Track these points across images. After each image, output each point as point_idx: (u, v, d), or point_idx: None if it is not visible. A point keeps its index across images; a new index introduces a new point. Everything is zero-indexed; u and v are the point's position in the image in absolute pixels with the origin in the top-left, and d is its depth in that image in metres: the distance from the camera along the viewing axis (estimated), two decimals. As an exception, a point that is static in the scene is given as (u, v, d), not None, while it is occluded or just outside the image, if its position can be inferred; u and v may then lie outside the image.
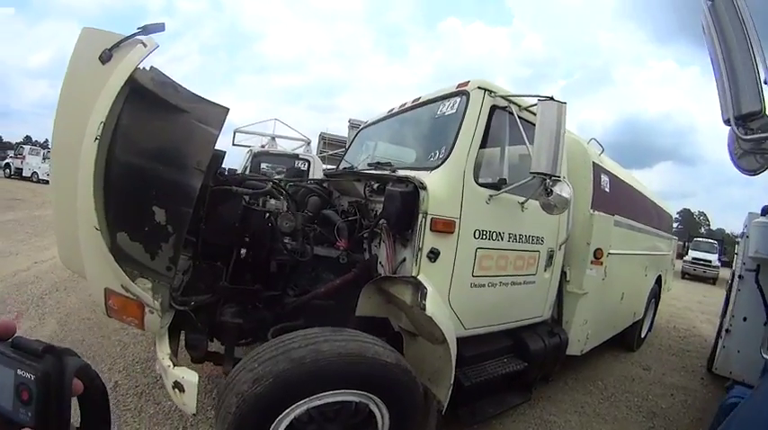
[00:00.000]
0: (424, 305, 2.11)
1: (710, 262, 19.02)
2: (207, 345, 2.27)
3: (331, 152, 9.82)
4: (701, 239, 23.09)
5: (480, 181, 2.57)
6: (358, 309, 2.45)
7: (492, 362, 2.85)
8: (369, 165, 3.28)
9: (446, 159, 2.52)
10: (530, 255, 2.99)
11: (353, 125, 8.57)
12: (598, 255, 3.58)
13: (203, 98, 2.11)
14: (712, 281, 18.40)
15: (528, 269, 3.00)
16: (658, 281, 6.10)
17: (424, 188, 2.36)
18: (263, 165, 7.67)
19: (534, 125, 2.27)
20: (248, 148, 7.79)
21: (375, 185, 2.83)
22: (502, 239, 2.73)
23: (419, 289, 2.19)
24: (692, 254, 19.77)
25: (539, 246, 3.06)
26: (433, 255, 2.37)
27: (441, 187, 2.41)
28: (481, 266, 2.62)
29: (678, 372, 5.10)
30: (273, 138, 9.00)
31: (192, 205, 1.97)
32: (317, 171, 7.36)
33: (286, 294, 2.53)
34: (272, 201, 2.60)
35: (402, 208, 2.36)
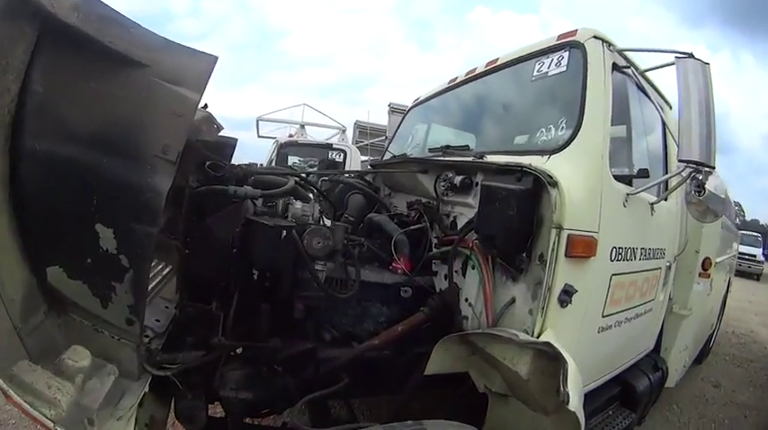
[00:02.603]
0: (567, 395, 1.21)
1: (755, 256, 17.70)
2: (206, 413, 1.53)
3: (370, 141, 8.21)
4: (744, 232, 20.67)
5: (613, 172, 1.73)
6: (429, 367, 1.61)
7: (597, 420, 2.09)
8: (431, 151, 2.31)
9: (573, 138, 1.64)
10: (653, 275, 2.19)
11: (394, 110, 7.14)
12: (706, 265, 2.85)
13: (174, 43, 1.30)
14: (756, 277, 17.23)
15: (650, 293, 2.20)
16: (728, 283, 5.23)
17: (555, 184, 1.42)
18: (292, 159, 6.52)
19: (651, 96, 1.94)
20: (274, 140, 6.70)
21: (456, 179, 1.88)
22: (635, 258, 1.91)
23: (554, 365, 1.29)
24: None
25: (660, 261, 2.25)
26: (567, 295, 1.47)
27: (576, 183, 1.51)
28: (613, 300, 1.80)
29: (747, 388, 4.72)
30: (302, 127, 7.82)
31: (156, 222, 1.19)
32: (355, 163, 6.25)
33: (319, 343, 1.69)
34: (298, 205, 1.74)
35: (515, 217, 1.45)
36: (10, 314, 1.02)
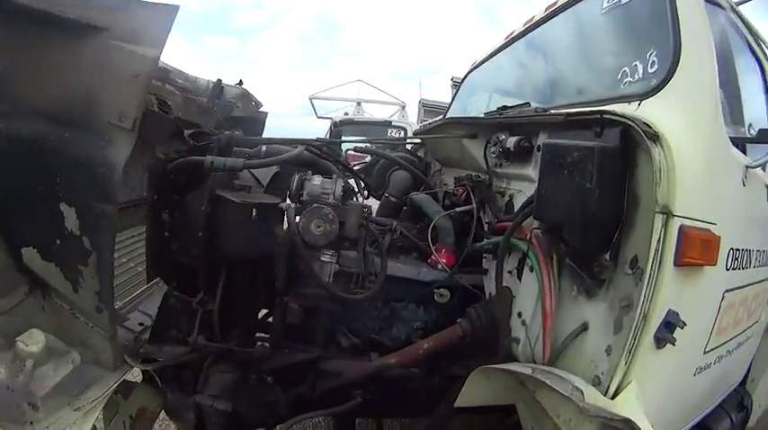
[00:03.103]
0: None
1: None
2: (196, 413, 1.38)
3: (433, 120, 7.15)
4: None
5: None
6: (463, 398, 1.17)
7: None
8: (486, 115, 1.76)
9: (671, 73, 1.05)
10: (763, 289, 1.45)
11: (457, 83, 5.99)
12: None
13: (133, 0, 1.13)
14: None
15: (756, 313, 1.48)
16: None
17: (656, 138, 0.88)
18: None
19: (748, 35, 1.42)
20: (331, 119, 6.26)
21: (509, 141, 1.36)
22: (750, 265, 1.26)
23: None
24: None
25: (768, 268, 1.39)
26: (669, 330, 0.89)
27: (686, 140, 0.93)
28: (720, 329, 1.17)
29: None
30: (359, 104, 7.13)
31: (112, 199, 1.06)
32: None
33: (334, 351, 1.39)
34: (316, 181, 1.41)
35: (595, 193, 0.89)
36: None
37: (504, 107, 1.68)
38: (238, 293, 1.31)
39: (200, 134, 1.32)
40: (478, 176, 1.55)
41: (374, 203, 2.26)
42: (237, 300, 1.31)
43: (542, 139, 1.21)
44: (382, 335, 1.47)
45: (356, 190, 1.68)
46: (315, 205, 1.28)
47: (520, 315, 1.21)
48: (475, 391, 1.18)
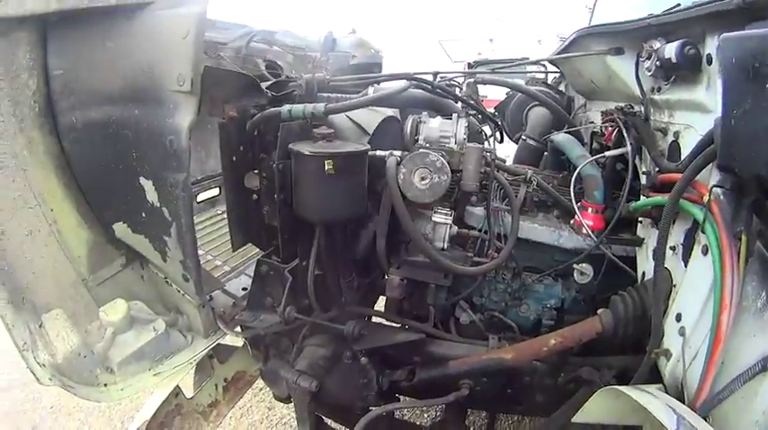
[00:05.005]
0: None
1: None
2: None
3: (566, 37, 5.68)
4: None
5: None
6: (582, 414, 0.93)
7: None
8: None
9: None
10: None
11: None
12: None
13: None
14: None
15: None
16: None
17: None
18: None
19: None
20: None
21: (666, 49, 0.91)
22: None
23: None
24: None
25: None
26: None
27: None
28: None
29: None
30: (491, 41, 6.01)
31: (182, 167, 1.00)
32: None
33: (437, 330, 1.21)
34: (434, 123, 1.18)
35: None
36: (75, 268, 1.11)
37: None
38: (334, 261, 1.19)
39: (281, 84, 1.20)
40: (631, 107, 1.13)
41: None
42: (334, 268, 1.20)
43: (717, 42, 0.77)
44: (509, 313, 1.26)
45: (488, 134, 1.42)
46: (419, 150, 1.06)
47: (679, 318, 0.84)
48: (599, 409, 0.91)
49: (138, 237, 1.17)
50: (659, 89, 1.02)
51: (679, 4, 1.05)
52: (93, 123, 1.09)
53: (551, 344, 1.03)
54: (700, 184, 0.80)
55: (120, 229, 1.17)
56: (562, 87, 2.10)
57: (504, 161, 1.57)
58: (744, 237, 0.70)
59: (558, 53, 1.60)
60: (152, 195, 1.09)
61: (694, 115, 0.92)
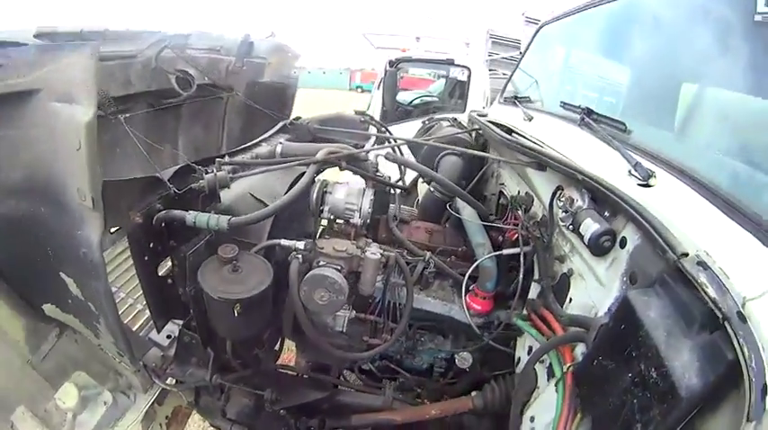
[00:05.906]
0: None
1: None
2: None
3: (504, 55, 6.02)
4: None
5: None
6: None
7: None
8: (564, 105, 1.50)
9: None
10: None
11: (530, 21, 4.67)
12: None
13: (49, 45, 0.90)
14: None
15: None
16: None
17: None
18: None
19: None
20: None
21: (585, 224, 0.98)
22: None
23: None
24: None
25: None
26: None
27: None
28: None
29: None
30: (418, 39, 5.73)
31: (100, 276, 1.01)
32: (482, 83, 4.73)
33: (342, 382, 1.42)
34: (340, 194, 1.24)
35: None
36: (19, 354, 1.17)
37: (591, 112, 1.24)
38: (251, 341, 1.30)
39: (185, 172, 1.17)
40: (538, 223, 1.23)
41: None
42: (251, 346, 1.32)
43: (633, 237, 0.85)
44: (404, 362, 1.48)
45: (393, 184, 1.48)
46: (317, 272, 1.13)
47: (532, 420, 1.05)
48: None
49: (67, 316, 1.20)
50: (568, 227, 1.07)
51: (624, 126, 1.10)
52: (3, 217, 1.04)
53: (432, 412, 1.27)
54: (567, 349, 0.95)
55: (50, 309, 1.19)
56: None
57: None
58: (579, 414, 0.86)
59: (479, 129, 1.62)
60: (75, 289, 1.11)
61: (589, 275, 1.00)
